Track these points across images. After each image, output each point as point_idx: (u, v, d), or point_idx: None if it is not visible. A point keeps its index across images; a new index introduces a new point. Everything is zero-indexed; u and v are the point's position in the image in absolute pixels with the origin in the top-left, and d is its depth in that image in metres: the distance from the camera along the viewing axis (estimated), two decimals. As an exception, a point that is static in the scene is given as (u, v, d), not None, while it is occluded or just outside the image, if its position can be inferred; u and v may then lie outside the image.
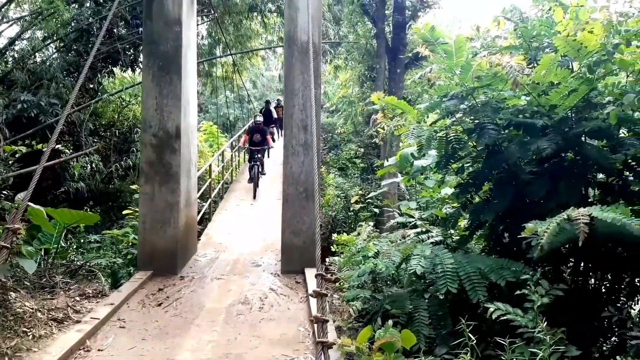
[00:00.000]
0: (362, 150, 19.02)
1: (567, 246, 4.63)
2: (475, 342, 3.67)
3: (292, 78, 7.66)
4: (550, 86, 4.51)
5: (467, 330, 3.67)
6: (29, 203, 5.92)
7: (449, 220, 5.90)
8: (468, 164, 5.65)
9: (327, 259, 7.74)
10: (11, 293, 5.24)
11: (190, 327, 5.39)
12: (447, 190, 6.99)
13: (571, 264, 5.01)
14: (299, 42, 7.59)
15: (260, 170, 13.71)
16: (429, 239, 5.92)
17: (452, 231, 6.20)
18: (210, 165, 12.50)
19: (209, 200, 11.79)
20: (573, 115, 4.66)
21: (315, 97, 6.71)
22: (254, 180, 13.40)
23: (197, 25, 12.35)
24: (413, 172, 6.18)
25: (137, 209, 8.08)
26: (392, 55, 16.46)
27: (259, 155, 13.73)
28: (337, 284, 6.57)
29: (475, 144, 5.07)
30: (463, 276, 4.31)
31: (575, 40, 4.14)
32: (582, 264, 4.86)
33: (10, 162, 8.68)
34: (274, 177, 13.93)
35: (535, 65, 4.68)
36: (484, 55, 4.83)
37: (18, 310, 4.97)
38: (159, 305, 6.09)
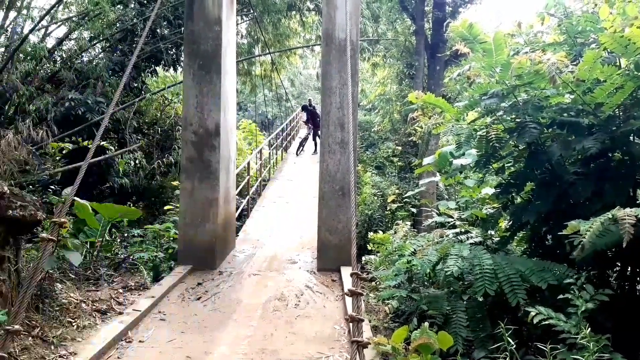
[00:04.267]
0: (400, 148, 18.82)
1: (612, 250, 4.47)
2: (515, 346, 3.58)
3: (329, 76, 7.66)
4: (596, 83, 4.35)
5: (507, 334, 3.58)
6: (75, 198, 6.17)
7: (489, 221, 5.77)
8: (509, 164, 5.51)
9: (363, 258, 7.72)
10: (57, 284, 5.44)
11: (228, 322, 5.48)
12: (488, 190, 6.85)
13: (617, 268, 4.83)
14: (336, 40, 7.58)
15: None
16: (468, 239, 5.81)
17: (492, 232, 6.07)
18: (248, 163, 12.65)
19: (247, 197, 11.94)
20: (620, 113, 4.48)
21: (353, 95, 6.67)
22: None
23: (237, 24, 12.50)
24: (452, 171, 6.08)
25: (178, 205, 8.28)
26: (432, 52, 16.21)
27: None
28: (373, 283, 6.54)
29: (516, 143, 4.94)
30: (502, 278, 4.19)
31: (622, 36, 3.98)
32: (629, 268, 4.68)
33: (57, 159, 9.01)
34: (311, 176, 13.98)
35: (581, 61, 4.52)
36: (526, 52, 4.70)
37: (63, 301, 5.17)
38: (198, 299, 6.22)
